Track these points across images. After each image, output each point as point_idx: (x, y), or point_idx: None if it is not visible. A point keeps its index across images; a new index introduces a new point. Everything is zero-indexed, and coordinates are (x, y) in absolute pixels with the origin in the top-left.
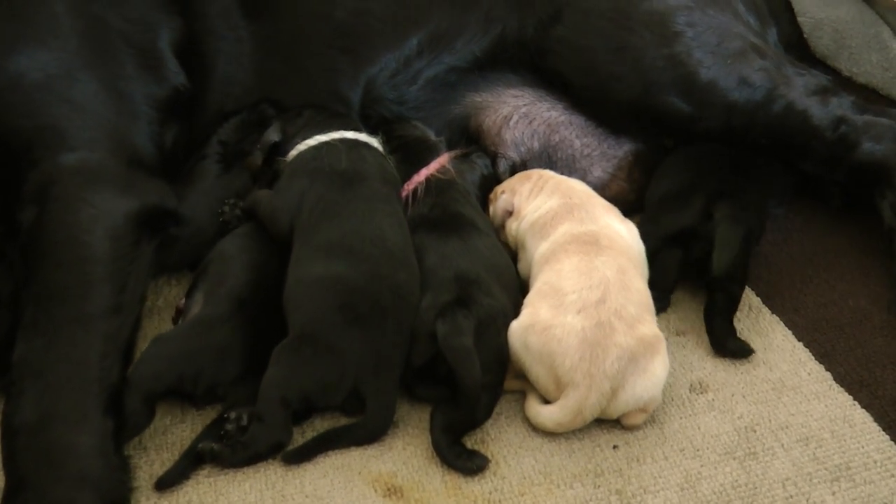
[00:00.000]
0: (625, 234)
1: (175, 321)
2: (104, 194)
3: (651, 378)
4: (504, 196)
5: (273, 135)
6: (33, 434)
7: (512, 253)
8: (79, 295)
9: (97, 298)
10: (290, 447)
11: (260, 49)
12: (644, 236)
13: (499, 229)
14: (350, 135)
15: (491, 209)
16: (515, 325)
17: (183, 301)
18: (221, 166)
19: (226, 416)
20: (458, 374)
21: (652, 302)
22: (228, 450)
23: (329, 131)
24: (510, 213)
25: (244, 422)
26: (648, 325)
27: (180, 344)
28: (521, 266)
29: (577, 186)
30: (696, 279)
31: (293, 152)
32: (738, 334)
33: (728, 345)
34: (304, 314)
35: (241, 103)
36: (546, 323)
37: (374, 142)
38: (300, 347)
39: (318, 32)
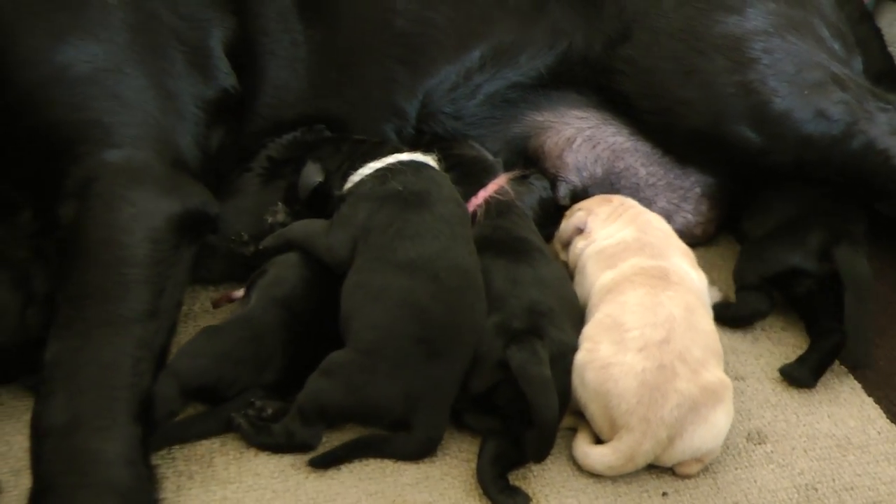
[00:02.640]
0: (695, 278)
1: (215, 306)
2: (146, 194)
3: (711, 429)
4: (580, 213)
5: (315, 176)
6: (61, 438)
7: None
8: (115, 297)
9: (133, 302)
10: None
11: (315, 54)
12: (741, 272)
13: (561, 246)
14: (410, 157)
15: (563, 224)
16: (574, 359)
17: (241, 292)
18: (263, 181)
19: (252, 401)
20: (535, 406)
21: (720, 345)
22: (253, 429)
23: (381, 157)
24: (580, 231)
25: (266, 413)
26: (714, 370)
27: (229, 345)
28: (578, 292)
29: (655, 223)
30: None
31: (350, 183)
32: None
33: (794, 372)
34: (374, 333)
35: (294, 110)
36: (605, 360)
37: (434, 163)
38: (361, 367)
39: (376, 40)
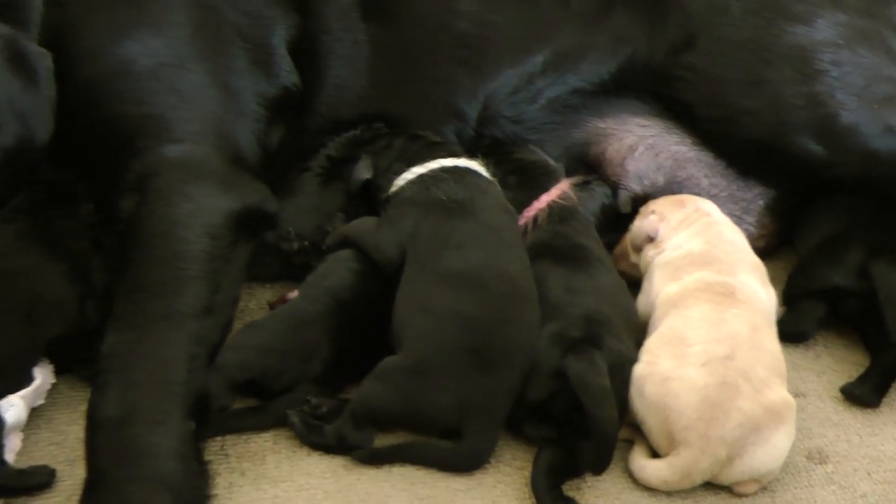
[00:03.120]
0: (763, 297)
1: (272, 307)
2: (205, 190)
3: (772, 450)
4: (652, 218)
5: (364, 172)
6: (115, 430)
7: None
8: (171, 291)
9: (190, 297)
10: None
11: (377, 54)
12: (790, 288)
13: (632, 249)
14: (454, 162)
15: (636, 225)
16: (633, 371)
17: (295, 293)
18: (322, 180)
19: (308, 399)
20: (593, 417)
21: (784, 365)
22: (306, 428)
23: (428, 160)
24: (651, 239)
25: (321, 411)
26: (777, 390)
27: (271, 337)
28: (641, 299)
29: (727, 234)
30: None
31: (395, 186)
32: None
33: (856, 391)
34: (424, 342)
35: (354, 110)
36: (665, 374)
37: (481, 168)
38: (413, 375)
39: (438, 42)
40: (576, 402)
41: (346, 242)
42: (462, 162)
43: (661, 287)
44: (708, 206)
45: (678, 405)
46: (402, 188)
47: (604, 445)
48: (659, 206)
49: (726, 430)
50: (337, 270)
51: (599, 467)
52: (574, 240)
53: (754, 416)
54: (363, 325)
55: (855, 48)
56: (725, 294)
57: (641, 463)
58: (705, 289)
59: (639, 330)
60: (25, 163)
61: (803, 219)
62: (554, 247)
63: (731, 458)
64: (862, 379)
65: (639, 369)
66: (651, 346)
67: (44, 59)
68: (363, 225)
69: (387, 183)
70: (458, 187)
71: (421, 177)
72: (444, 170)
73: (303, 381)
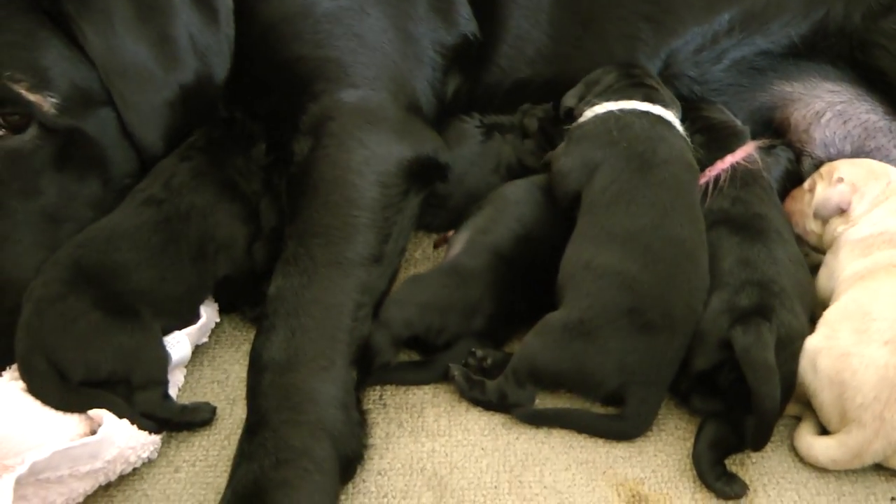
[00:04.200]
0: None
1: (436, 246)
2: (379, 137)
3: None
4: (843, 188)
5: (570, 100)
6: (280, 374)
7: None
8: (342, 238)
9: (360, 245)
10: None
11: (558, 6)
12: None
13: (805, 214)
14: (649, 108)
15: (821, 195)
16: (807, 344)
17: (452, 232)
18: (485, 131)
19: (473, 350)
20: (756, 393)
21: None
22: (467, 383)
23: (625, 99)
24: (842, 211)
25: (487, 363)
26: None
27: (434, 294)
28: (823, 274)
29: None
30: None
31: (584, 117)
32: None
33: None
34: (587, 302)
35: (532, 66)
36: (844, 348)
37: (676, 120)
38: (575, 333)
39: None
40: (742, 375)
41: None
42: (657, 109)
43: (847, 263)
44: None
45: (855, 382)
46: (587, 121)
47: (764, 422)
48: (849, 173)
49: None
50: (502, 220)
51: (758, 444)
52: (754, 208)
53: None
54: (526, 279)
55: None
56: None
57: (809, 440)
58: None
59: (815, 305)
60: (203, 100)
61: None
62: (732, 214)
63: None
64: None
65: (814, 341)
66: (830, 317)
67: None
68: (557, 151)
69: (579, 114)
70: (643, 135)
71: (610, 113)
72: (635, 113)
73: (465, 337)
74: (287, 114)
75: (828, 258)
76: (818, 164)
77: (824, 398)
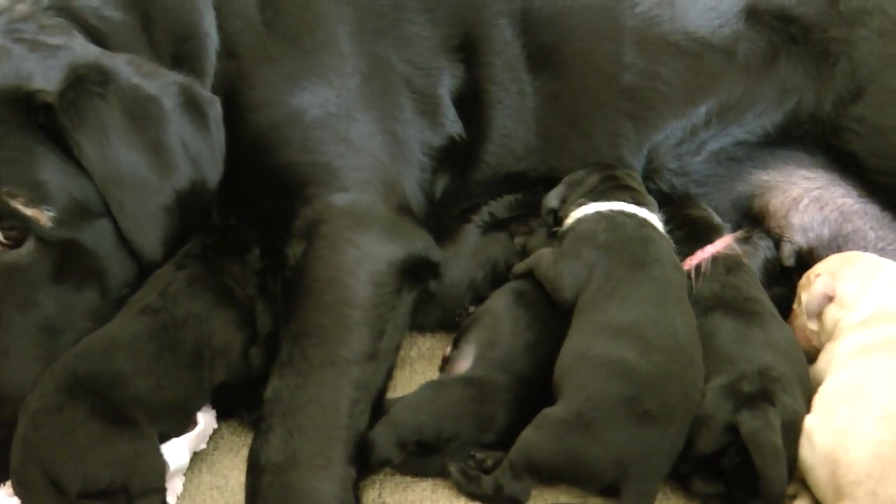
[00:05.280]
0: None
1: (441, 370)
2: (371, 238)
3: None
4: (822, 280)
5: (553, 200)
6: (278, 474)
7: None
8: (336, 337)
9: (354, 343)
10: None
11: (543, 105)
12: None
13: (808, 317)
14: (636, 210)
15: (804, 296)
16: (804, 422)
17: (449, 349)
18: (482, 231)
19: (473, 453)
20: (765, 477)
21: None
22: (464, 478)
23: (612, 200)
24: (830, 299)
25: (488, 464)
26: None
27: (450, 403)
28: (822, 361)
29: None
30: None
31: (571, 218)
32: None
33: None
34: (584, 394)
35: (520, 162)
36: (839, 425)
37: (659, 222)
38: (573, 426)
39: (603, 94)
40: (746, 459)
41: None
42: (643, 211)
43: (848, 342)
44: (875, 257)
45: (848, 459)
46: (578, 221)
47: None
48: (821, 266)
49: None
50: (503, 332)
51: None
52: (745, 292)
53: None
54: (539, 384)
55: None
56: None
57: None
58: (893, 343)
59: (812, 388)
60: (198, 205)
61: None
62: (725, 298)
63: None
64: None
65: (811, 420)
66: (826, 395)
67: (214, 104)
68: (545, 258)
69: (565, 215)
70: (634, 236)
71: (599, 215)
72: (624, 214)
73: (477, 446)
74: (280, 218)
75: (828, 345)
76: (798, 250)
77: (819, 474)
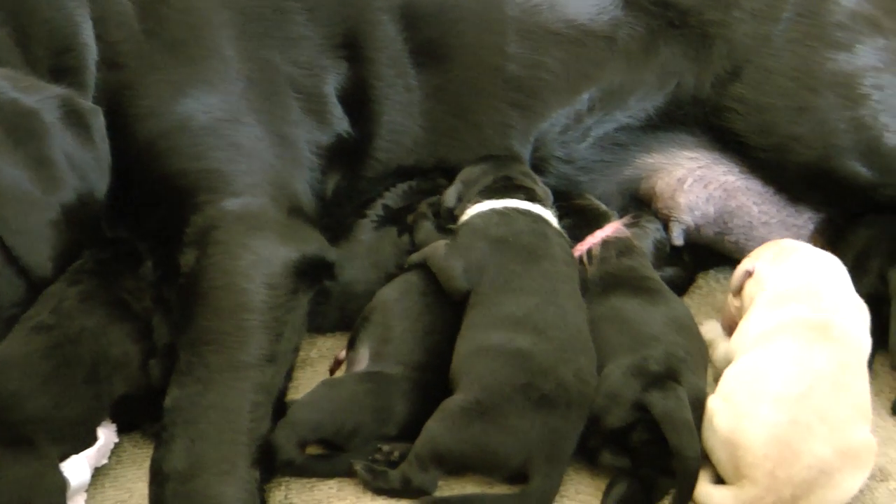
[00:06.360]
0: (862, 336)
1: (332, 373)
2: (264, 241)
3: (843, 493)
4: (746, 259)
5: (451, 199)
6: (182, 482)
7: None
8: (235, 342)
9: (252, 347)
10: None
11: (430, 99)
12: None
13: (732, 296)
14: (529, 207)
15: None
16: (707, 403)
17: (344, 353)
18: (377, 227)
19: (379, 447)
20: (680, 454)
21: (869, 407)
22: (370, 474)
23: (506, 198)
24: (749, 274)
25: (395, 457)
26: (859, 433)
27: (345, 399)
28: (736, 336)
29: (834, 271)
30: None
31: (467, 214)
32: None
33: None
34: (481, 382)
35: (410, 156)
36: (737, 408)
37: (553, 218)
38: (474, 415)
39: (489, 85)
40: (654, 436)
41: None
42: (537, 208)
43: (757, 323)
44: (802, 244)
45: (746, 442)
46: (473, 217)
47: (687, 482)
48: (754, 252)
49: (794, 470)
50: (396, 325)
51: (682, 502)
52: (642, 272)
53: (825, 459)
54: (437, 374)
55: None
56: (818, 329)
57: (707, 489)
58: (799, 324)
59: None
60: (86, 218)
61: (841, 241)
62: (624, 279)
63: (796, 497)
64: None
65: (713, 402)
66: (728, 378)
67: (96, 115)
68: (438, 249)
69: (461, 213)
70: (526, 231)
71: (494, 211)
72: (518, 211)
73: (379, 440)
74: (172, 227)
75: (741, 323)
76: (686, 229)
77: (720, 456)
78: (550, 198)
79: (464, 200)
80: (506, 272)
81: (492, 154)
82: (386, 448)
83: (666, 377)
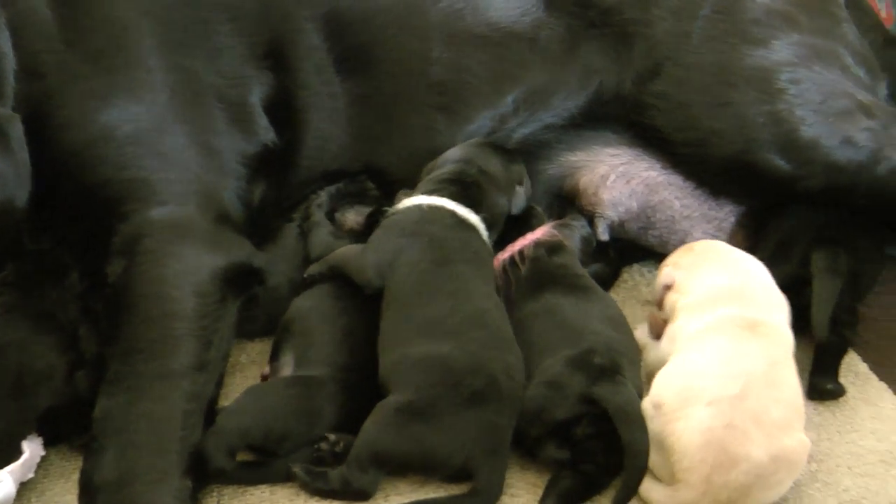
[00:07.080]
0: (787, 332)
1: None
2: (192, 250)
3: (777, 493)
4: (665, 269)
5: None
6: (113, 492)
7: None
8: (164, 351)
9: (182, 355)
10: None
11: (355, 105)
12: None
13: (657, 307)
14: (455, 207)
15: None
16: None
17: (268, 369)
18: (302, 231)
19: (325, 435)
20: (631, 448)
21: (802, 402)
22: (309, 476)
23: (438, 196)
24: (669, 287)
25: (340, 448)
26: (793, 433)
27: (271, 403)
28: (664, 343)
29: (754, 270)
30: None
31: (393, 210)
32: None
33: (818, 386)
34: (413, 384)
35: (337, 162)
36: (671, 411)
37: (480, 223)
38: (409, 415)
39: (414, 89)
40: (598, 430)
41: (332, 271)
42: (463, 210)
43: (685, 326)
44: (719, 243)
45: (680, 445)
46: (395, 211)
47: (635, 475)
48: (670, 258)
49: (731, 476)
50: (316, 329)
51: (627, 496)
52: (574, 269)
53: (762, 465)
54: (362, 374)
55: (811, 66)
56: (746, 328)
57: (647, 484)
58: (727, 323)
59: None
60: (6, 228)
61: (763, 233)
62: (557, 276)
63: (732, 500)
64: (817, 373)
65: (645, 404)
66: (660, 380)
67: (14, 123)
68: (349, 251)
69: (398, 202)
70: (441, 233)
71: (416, 206)
72: (443, 210)
73: (307, 444)
74: (98, 237)
75: (667, 329)
76: (610, 224)
77: (655, 458)
78: (519, 207)
79: (415, 191)
80: (419, 271)
81: (487, 142)
82: (332, 437)
83: (611, 371)
